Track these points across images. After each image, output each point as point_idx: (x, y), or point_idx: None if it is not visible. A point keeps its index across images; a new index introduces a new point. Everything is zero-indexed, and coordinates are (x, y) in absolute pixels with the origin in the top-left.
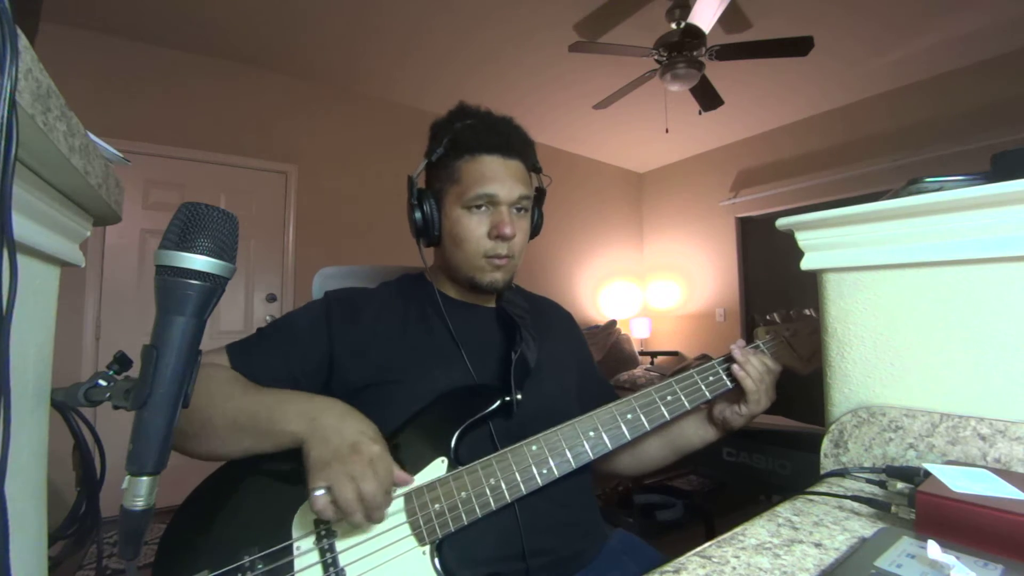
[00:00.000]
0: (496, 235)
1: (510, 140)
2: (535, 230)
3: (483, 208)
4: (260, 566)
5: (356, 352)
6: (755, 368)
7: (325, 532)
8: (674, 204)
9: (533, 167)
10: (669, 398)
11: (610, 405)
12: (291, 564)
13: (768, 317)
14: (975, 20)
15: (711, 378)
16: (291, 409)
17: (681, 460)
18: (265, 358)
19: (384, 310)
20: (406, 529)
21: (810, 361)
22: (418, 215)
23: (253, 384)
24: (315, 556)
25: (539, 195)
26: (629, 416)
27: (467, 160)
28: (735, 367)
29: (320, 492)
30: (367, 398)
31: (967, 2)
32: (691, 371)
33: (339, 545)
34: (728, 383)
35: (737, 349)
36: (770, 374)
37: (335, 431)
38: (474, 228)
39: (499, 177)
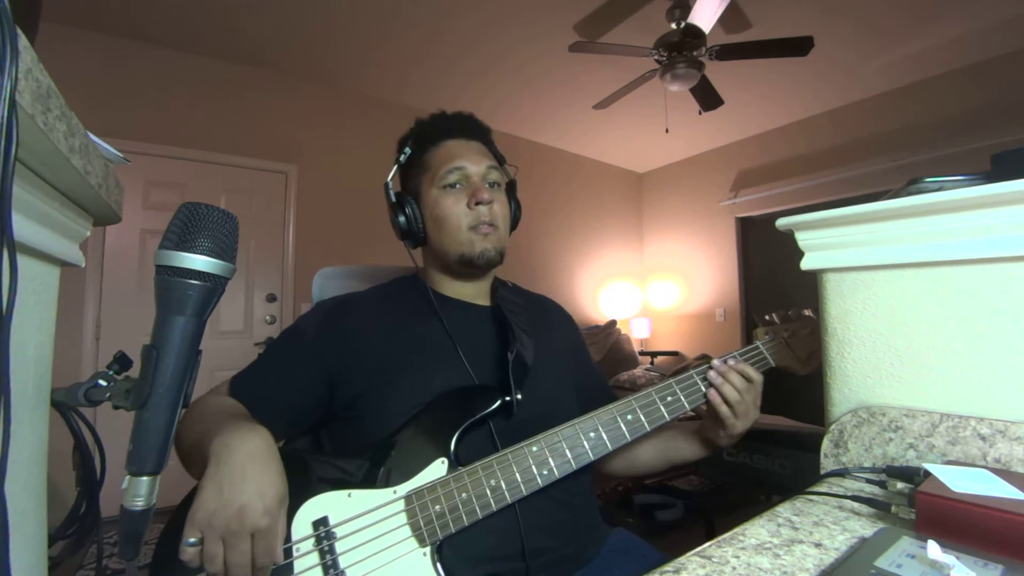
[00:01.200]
0: (475, 203)
1: (467, 125)
2: (514, 221)
3: (457, 185)
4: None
5: (352, 361)
6: (731, 389)
7: (325, 534)
8: (674, 204)
9: (495, 153)
10: (669, 399)
11: (610, 406)
12: (291, 566)
13: (767, 317)
14: (976, 21)
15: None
16: (215, 440)
17: None
18: (262, 389)
19: (375, 313)
20: (407, 531)
21: (808, 362)
22: (401, 217)
23: (218, 410)
24: (315, 558)
25: (511, 186)
26: (629, 417)
27: (432, 149)
28: (711, 393)
29: (191, 542)
30: (366, 402)
31: (968, 2)
32: (691, 372)
33: (339, 547)
34: None
35: (715, 372)
36: (751, 391)
37: (232, 483)
38: (452, 204)
39: (464, 153)
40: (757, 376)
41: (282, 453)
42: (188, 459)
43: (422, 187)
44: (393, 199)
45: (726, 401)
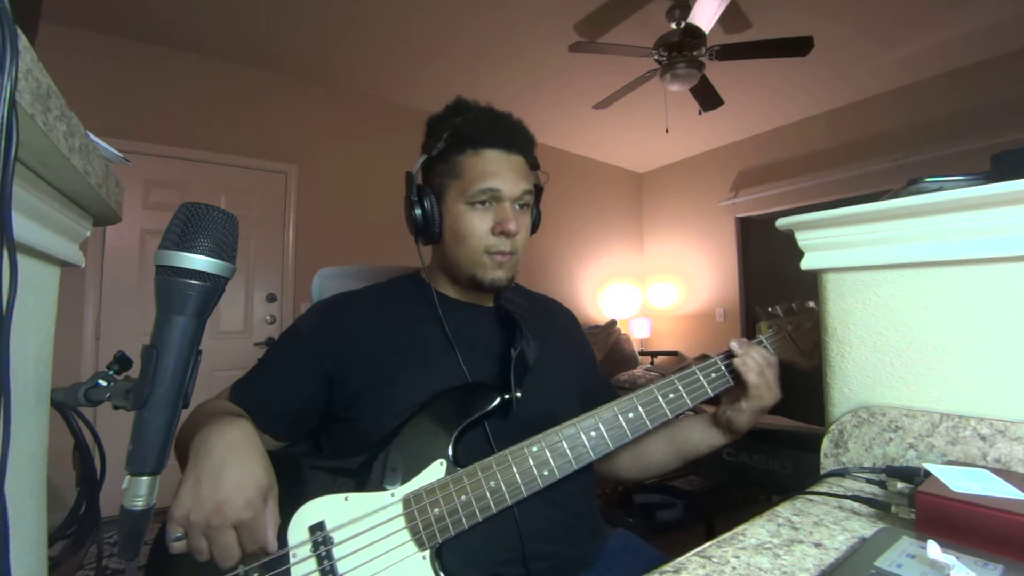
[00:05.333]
0: (500, 231)
1: (513, 135)
2: (534, 226)
3: (486, 204)
4: (256, 574)
5: (350, 359)
6: (755, 360)
7: (322, 539)
8: (674, 204)
9: (533, 164)
10: (671, 396)
11: (611, 403)
12: (288, 572)
13: (770, 310)
14: (975, 20)
15: (713, 374)
16: (196, 437)
17: None
18: (261, 392)
19: (375, 311)
20: (406, 534)
21: (811, 355)
22: (418, 212)
23: (211, 412)
24: (312, 564)
25: (537, 193)
26: (631, 415)
27: (469, 154)
28: (735, 360)
29: (175, 537)
30: (365, 403)
31: (964, 6)
32: (693, 368)
33: (337, 552)
34: (730, 379)
35: (736, 343)
36: (771, 368)
37: (210, 477)
38: (477, 224)
39: (502, 172)
40: (773, 357)
41: (276, 456)
42: (181, 463)
43: (448, 191)
44: (414, 193)
45: (752, 369)
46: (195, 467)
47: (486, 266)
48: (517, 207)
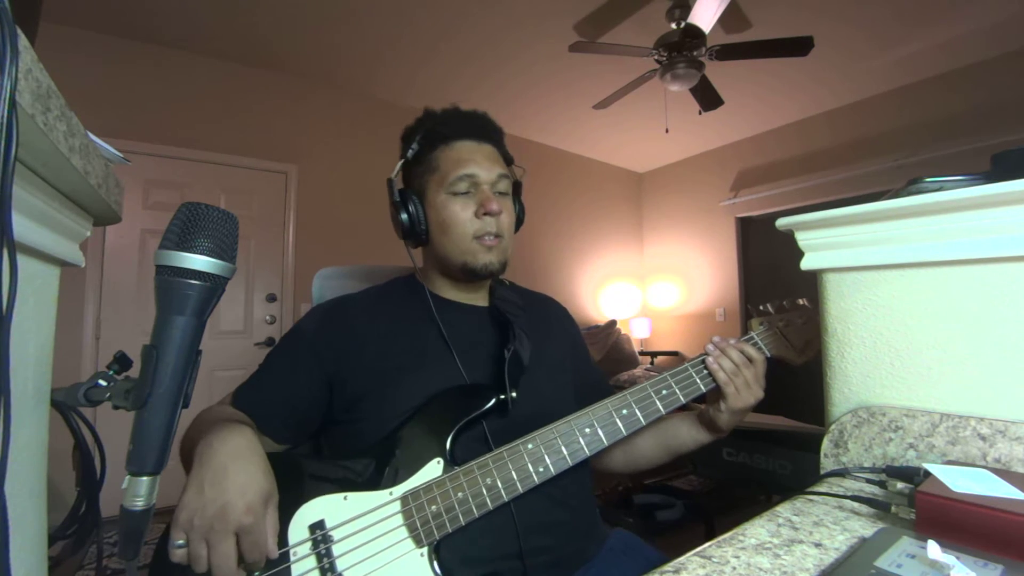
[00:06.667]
0: (483, 213)
1: (481, 126)
2: (518, 221)
3: (466, 192)
4: (257, 572)
5: (349, 362)
6: (729, 361)
7: (322, 537)
8: (674, 204)
9: (505, 155)
10: (664, 392)
11: (605, 401)
12: (288, 570)
13: (761, 307)
14: (975, 20)
15: (705, 371)
16: (200, 443)
17: (681, 460)
18: (263, 396)
19: (372, 314)
20: (404, 532)
21: (804, 351)
22: (403, 215)
23: (214, 418)
24: (312, 561)
25: (516, 187)
26: (624, 412)
27: (442, 149)
28: (708, 360)
29: (178, 544)
30: (364, 405)
31: (964, 5)
32: (686, 365)
33: (336, 550)
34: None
35: (711, 343)
36: (749, 367)
37: (213, 482)
38: (460, 211)
39: (476, 159)
40: (757, 355)
41: (277, 457)
42: (187, 470)
43: (428, 188)
44: (396, 196)
45: (723, 369)
46: (198, 473)
47: (476, 252)
48: (496, 194)
